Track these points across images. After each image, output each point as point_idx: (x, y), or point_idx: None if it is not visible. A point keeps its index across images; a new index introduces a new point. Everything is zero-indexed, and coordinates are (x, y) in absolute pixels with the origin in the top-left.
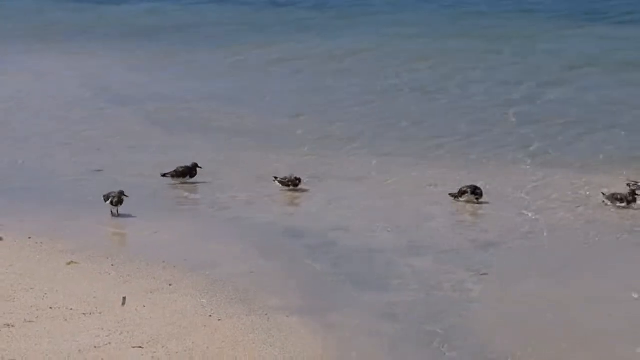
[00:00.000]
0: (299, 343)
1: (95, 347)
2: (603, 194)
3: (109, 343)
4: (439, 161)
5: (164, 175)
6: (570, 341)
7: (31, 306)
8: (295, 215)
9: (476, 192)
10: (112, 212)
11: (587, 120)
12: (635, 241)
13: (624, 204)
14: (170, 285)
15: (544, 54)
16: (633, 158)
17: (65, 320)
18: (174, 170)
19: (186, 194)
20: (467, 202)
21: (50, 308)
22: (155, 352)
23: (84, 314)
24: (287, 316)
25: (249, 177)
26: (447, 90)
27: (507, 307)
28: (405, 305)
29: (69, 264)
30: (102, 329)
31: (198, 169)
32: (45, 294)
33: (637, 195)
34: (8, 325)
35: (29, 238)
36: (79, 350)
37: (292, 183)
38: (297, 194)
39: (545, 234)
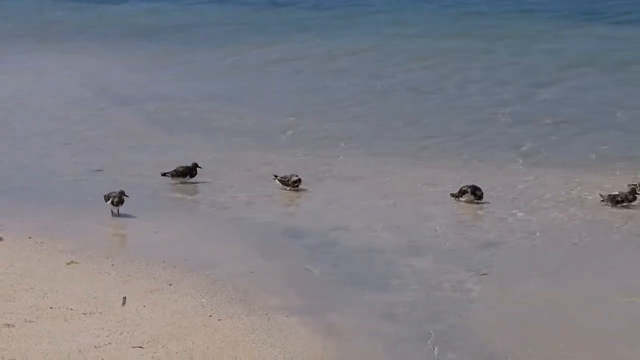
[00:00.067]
0: (299, 343)
1: (95, 347)
2: (600, 194)
3: (109, 343)
4: (439, 161)
5: (164, 174)
6: (570, 341)
7: (31, 306)
8: (295, 215)
9: (476, 192)
10: (112, 212)
11: (585, 120)
12: (635, 241)
13: (624, 204)
14: (170, 285)
15: (541, 54)
16: (629, 157)
17: (66, 320)
18: (174, 170)
19: (186, 193)
20: (467, 202)
21: (51, 308)
22: (155, 352)
23: (84, 313)
24: (287, 316)
25: (249, 177)
26: (445, 90)
27: (507, 307)
28: (405, 305)
29: (69, 263)
30: (102, 328)
31: (198, 169)
32: (46, 293)
33: (638, 194)
34: (8, 325)
35: (29, 238)
36: (79, 350)
37: (292, 185)
38: (297, 194)
39: (544, 234)
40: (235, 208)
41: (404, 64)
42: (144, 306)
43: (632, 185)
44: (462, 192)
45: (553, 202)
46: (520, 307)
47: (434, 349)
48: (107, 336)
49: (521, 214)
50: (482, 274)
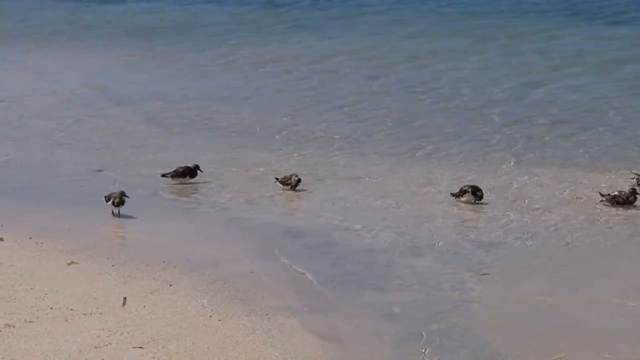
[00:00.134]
0: (300, 343)
1: (95, 347)
2: (601, 193)
3: (110, 343)
4: (434, 161)
5: (163, 175)
6: (570, 341)
7: (31, 306)
8: (295, 215)
9: (477, 193)
10: (113, 212)
11: (578, 119)
12: (635, 241)
13: (625, 205)
14: (170, 285)
15: (535, 54)
16: (622, 157)
17: (66, 320)
18: (174, 171)
19: (186, 194)
20: (467, 201)
21: (51, 308)
22: (155, 353)
23: (84, 314)
24: (287, 316)
25: (249, 177)
26: (439, 89)
27: (507, 307)
28: (405, 305)
29: (69, 264)
30: (103, 329)
31: (199, 172)
32: (46, 294)
33: (638, 194)
34: (8, 326)
35: (30, 238)
36: (79, 351)
37: (292, 185)
38: (296, 194)
39: (545, 233)
40: (235, 208)
41: (399, 64)
42: (144, 306)
43: (633, 187)
44: (462, 192)
45: (550, 201)
46: (521, 307)
47: (434, 349)
48: (107, 336)
49: (520, 214)
50: (482, 274)
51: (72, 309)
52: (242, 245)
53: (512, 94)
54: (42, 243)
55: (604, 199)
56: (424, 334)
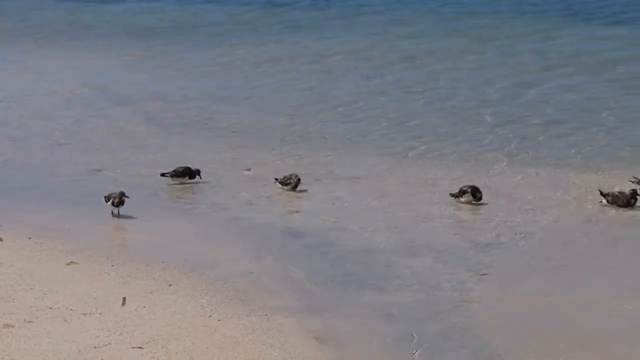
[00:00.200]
0: (299, 343)
1: (95, 347)
2: (600, 191)
3: (109, 343)
4: (436, 161)
5: (163, 174)
6: (570, 341)
7: (31, 306)
8: (294, 215)
9: (476, 194)
10: (112, 212)
11: (572, 119)
12: (635, 241)
13: (625, 208)
14: (170, 285)
15: (532, 54)
16: (616, 157)
17: (65, 320)
18: (174, 170)
19: (186, 194)
20: (466, 202)
21: (50, 308)
22: (155, 353)
23: (83, 314)
24: (286, 316)
25: (248, 177)
26: (436, 89)
27: (506, 307)
28: (405, 306)
29: (68, 264)
30: (102, 329)
31: (197, 177)
32: (45, 294)
33: (639, 196)
34: (8, 326)
35: (29, 238)
36: (79, 351)
37: (292, 186)
38: (295, 194)
39: (544, 233)
40: (235, 208)
41: (397, 64)
42: (144, 306)
43: (633, 189)
44: (462, 192)
45: (547, 202)
46: (520, 307)
47: (433, 349)
48: (106, 336)
49: (518, 214)
50: (482, 274)
51: (71, 309)
52: (242, 246)
53: (508, 94)
54: (41, 243)
55: (604, 200)
56: (423, 334)
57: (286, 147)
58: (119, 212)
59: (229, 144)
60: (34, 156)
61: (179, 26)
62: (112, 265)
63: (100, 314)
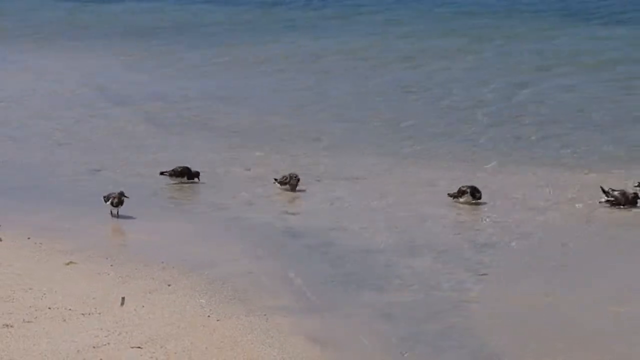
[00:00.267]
0: (298, 344)
1: (93, 347)
2: (602, 189)
3: (108, 343)
4: (439, 161)
5: (162, 173)
6: (569, 341)
7: (30, 306)
8: (294, 215)
9: (475, 194)
10: (111, 212)
11: (567, 119)
12: (634, 241)
13: (625, 206)
14: (169, 285)
15: (528, 54)
16: (611, 157)
17: (64, 320)
18: (172, 170)
19: (185, 194)
20: (465, 202)
21: (49, 308)
22: (153, 352)
23: (82, 314)
24: (285, 316)
25: (248, 177)
26: (432, 89)
27: (506, 307)
28: (405, 305)
29: (67, 264)
30: (101, 329)
31: (196, 179)
32: (44, 294)
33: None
34: (7, 326)
35: (28, 238)
36: (78, 351)
37: (291, 186)
38: (296, 194)
39: (543, 233)
40: (234, 208)
41: (394, 64)
42: (143, 306)
43: (635, 192)
44: (461, 193)
45: (545, 202)
46: (519, 307)
47: (433, 349)
48: (105, 336)
49: (517, 214)
50: (481, 274)
51: (70, 309)
52: (241, 246)
53: (505, 94)
54: (40, 243)
55: (603, 200)
56: (423, 334)
57: (286, 147)
58: (118, 212)
59: (228, 144)
60: (34, 156)
61: (178, 26)
62: (111, 265)
63: (99, 313)
